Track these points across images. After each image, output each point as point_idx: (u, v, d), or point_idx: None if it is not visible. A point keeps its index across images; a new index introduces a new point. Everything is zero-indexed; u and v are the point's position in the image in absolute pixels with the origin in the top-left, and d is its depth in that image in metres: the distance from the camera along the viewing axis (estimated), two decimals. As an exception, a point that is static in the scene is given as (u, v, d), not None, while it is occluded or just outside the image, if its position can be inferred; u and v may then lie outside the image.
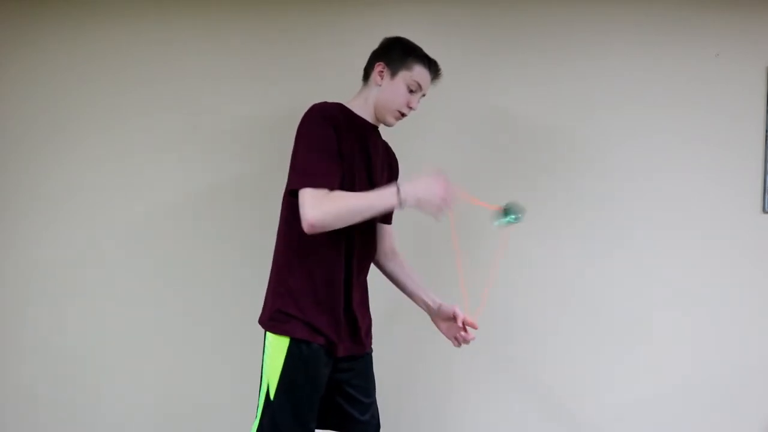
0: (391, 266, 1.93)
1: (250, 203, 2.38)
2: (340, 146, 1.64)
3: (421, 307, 1.90)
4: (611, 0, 2.37)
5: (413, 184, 1.59)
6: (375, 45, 1.86)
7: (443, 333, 1.86)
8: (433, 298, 1.87)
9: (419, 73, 1.74)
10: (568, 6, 2.38)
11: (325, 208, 1.56)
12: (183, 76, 2.40)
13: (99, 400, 2.41)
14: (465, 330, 1.79)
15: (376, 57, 1.79)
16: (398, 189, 1.58)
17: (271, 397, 1.66)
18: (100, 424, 2.41)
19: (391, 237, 1.94)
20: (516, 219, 1.69)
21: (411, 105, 1.76)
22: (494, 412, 2.39)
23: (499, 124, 2.38)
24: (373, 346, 1.87)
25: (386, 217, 1.92)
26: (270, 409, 1.65)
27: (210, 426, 2.39)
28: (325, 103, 1.71)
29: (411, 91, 1.75)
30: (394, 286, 1.95)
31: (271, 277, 1.75)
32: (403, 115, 1.78)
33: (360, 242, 1.74)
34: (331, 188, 1.59)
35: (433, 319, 1.88)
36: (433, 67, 1.78)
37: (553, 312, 2.38)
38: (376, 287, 1.91)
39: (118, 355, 2.40)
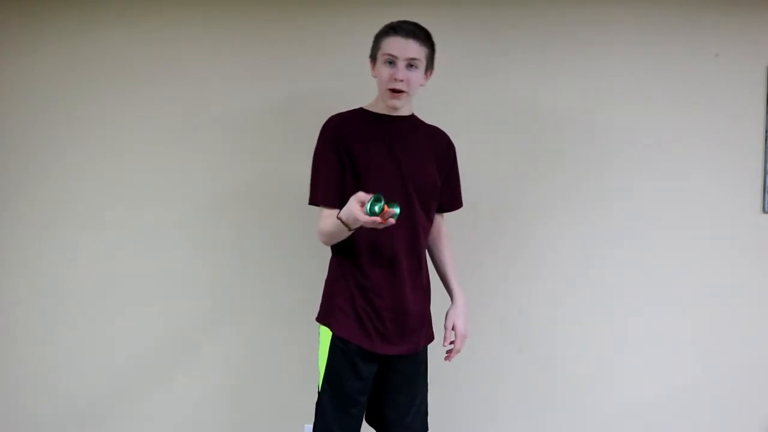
0: (432, 248, 1.95)
1: (251, 203, 2.38)
2: (350, 150, 1.75)
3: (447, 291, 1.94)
4: (611, 0, 2.38)
5: (344, 209, 1.66)
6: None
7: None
8: (455, 292, 1.90)
9: (386, 44, 1.74)
10: (568, 6, 2.38)
11: (320, 227, 1.77)
12: (183, 76, 2.39)
13: (99, 399, 2.41)
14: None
15: None
16: (338, 217, 1.69)
17: (319, 387, 1.79)
18: (100, 424, 2.41)
19: (440, 223, 1.96)
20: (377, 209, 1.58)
21: (395, 77, 1.73)
22: (497, 409, 2.39)
23: (499, 124, 2.38)
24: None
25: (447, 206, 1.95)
26: (320, 398, 1.79)
27: (211, 427, 2.40)
28: (334, 116, 1.82)
29: (390, 65, 1.74)
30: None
31: (328, 273, 1.85)
32: (396, 91, 1.75)
33: (405, 242, 1.77)
34: (332, 206, 1.74)
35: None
36: (397, 28, 1.73)
37: (551, 311, 2.38)
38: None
39: (119, 355, 2.40)
